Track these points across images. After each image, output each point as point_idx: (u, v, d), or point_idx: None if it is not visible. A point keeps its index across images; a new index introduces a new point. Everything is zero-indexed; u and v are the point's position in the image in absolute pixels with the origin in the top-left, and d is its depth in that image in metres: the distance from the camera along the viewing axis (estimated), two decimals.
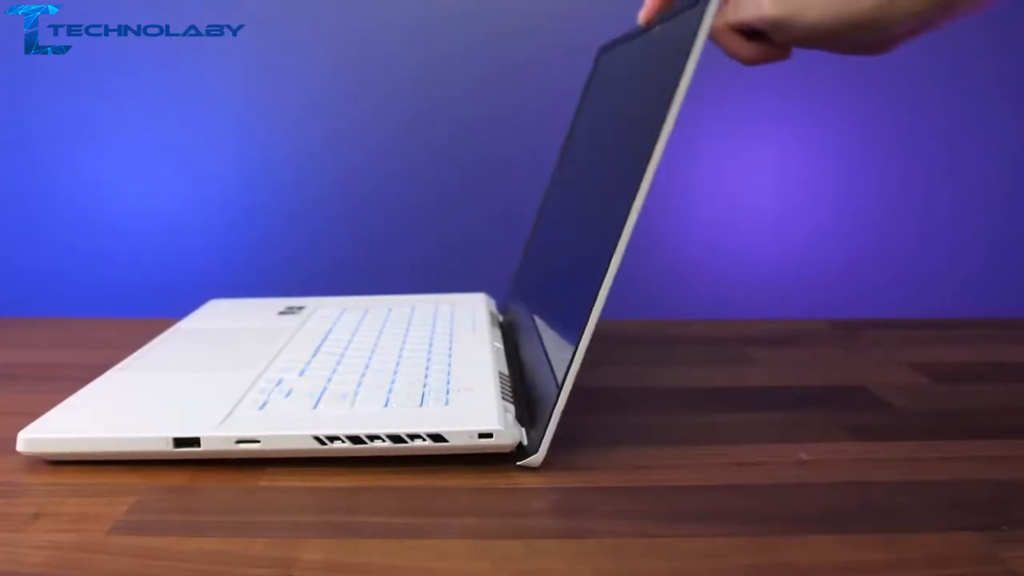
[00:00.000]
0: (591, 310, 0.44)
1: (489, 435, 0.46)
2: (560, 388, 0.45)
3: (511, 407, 0.50)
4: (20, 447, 0.47)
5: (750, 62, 0.52)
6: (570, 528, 0.40)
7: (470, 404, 0.49)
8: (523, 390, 0.54)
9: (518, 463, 0.46)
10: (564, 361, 0.46)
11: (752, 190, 0.91)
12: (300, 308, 0.73)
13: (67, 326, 0.79)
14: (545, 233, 0.66)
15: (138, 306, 0.90)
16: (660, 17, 0.53)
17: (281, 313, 0.72)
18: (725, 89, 0.89)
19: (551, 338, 0.51)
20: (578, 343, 0.45)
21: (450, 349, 0.60)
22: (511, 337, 0.66)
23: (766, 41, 0.52)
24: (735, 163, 0.90)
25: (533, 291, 0.63)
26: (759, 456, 0.48)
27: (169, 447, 0.46)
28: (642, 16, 0.56)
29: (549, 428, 0.45)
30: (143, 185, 0.91)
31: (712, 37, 0.50)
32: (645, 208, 0.86)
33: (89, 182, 0.90)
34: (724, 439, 0.51)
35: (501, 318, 0.72)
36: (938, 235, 0.92)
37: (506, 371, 0.56)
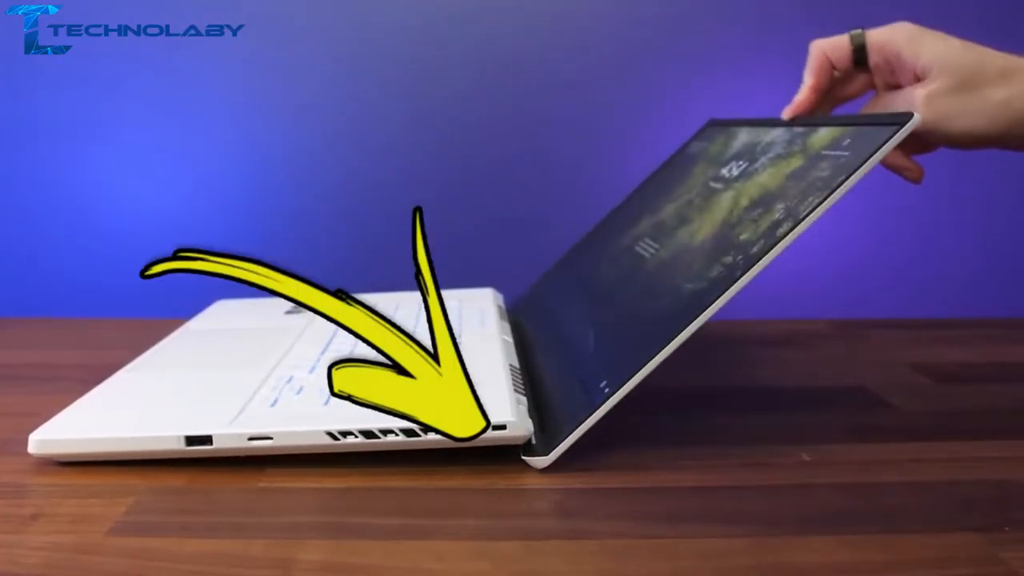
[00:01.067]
0: (654, 356, 0.46)
1: (503, 427, 0.45)
2: (593, 410, 0.45)
3: (523, 399, 0.49)
4: (31, 448, 0.46)
5: (893, 167, 0.54)
6: (571, 529, 0.40)
7: (482, 396, 0.49)
8: (532, 388, 0.54)
9: (523, 456, 0.46)
10: (613, 380, 0.46)
11: None
12: None
13: (66, 326, 0.79)
14: (607, 255, 0.65)
15: (137, 306, 0.90)
16: (806, 118, 0.54)
17: (288, 312, 0.72)
18: (725, 87, 0.89)
19: (590, 358, 0.51)
20: (636, 372, 0.46)
21: (460, 343, 0.59)
22: (520, 334, 0.66)
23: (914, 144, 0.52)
24: None
25: (572, 304, 0.63)
26: (760, 457, 0.48)
27: (181, 446, 0.46)
28: (788, 111, 0.57)
29: (571, 437, 0.45)
30: (143, 185, 0.90)
31: None
32: None
33: (89, 182, 0.90)
34: (725, 440, 0.50)
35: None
36: (940, 235, 0.92)
37: (517, 364, 0.56)
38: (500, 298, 0.75)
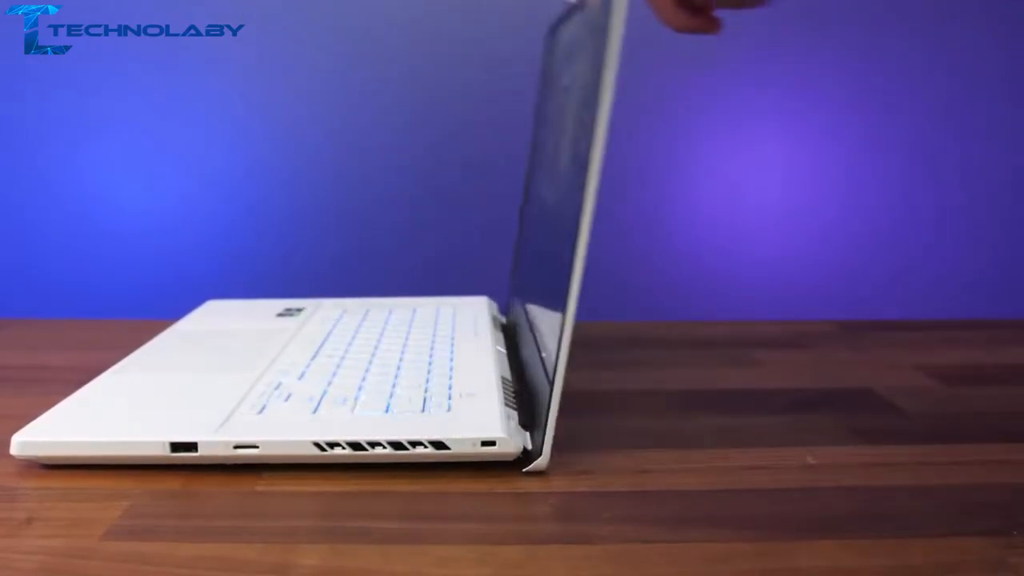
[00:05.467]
0: (567, 305, 0.42)
1: (492, 443, 0.45)
2: (551, 388, 0.44)
3: (514, 414, 0.49)
4: (14, 451, 0.46)
5: (681, 29, 0.51)
6: (572, 533, 0.39)
7: (472, 410, 0.48)
8: (526, 392, 0.54)
9: (524, 470, 0.46)
10: (551, 361, 0.45)
11: (757, 189, 0.91)
12: (299, 310, 0.73)
13: (58, 327, 0.78)
14: (528, 227, 0.64)
15: (132, 307, 0.90)
16: None
17: (280, 315, 0.71)
18: (729, 85, 0.88)
19: (542, 337, 0.51)
20: (560, 340, 0.43)
21: (452, 353, 0.59)
22: (513, 340, 0.65)
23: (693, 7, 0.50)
24: (740, 162, 0.90)
25: (524, 290, 0.62)
26: (765, 460, 0.47)
27: (166, 452, 0.45)
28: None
29: (547, 431, 0.45)
30: (142, 186, 0.90)
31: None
32: (647, 207, 0.86)
33: (88, 182, 0.90)
34: (729, 442, 0.50)
35: (503, 320, 0.71)
36: (948, 235, 0.91)
37: (509, 376, 0.56)
38: (494, 307, 0.75)
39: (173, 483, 0.45)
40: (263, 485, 0.44)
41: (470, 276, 0.82)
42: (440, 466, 0.46)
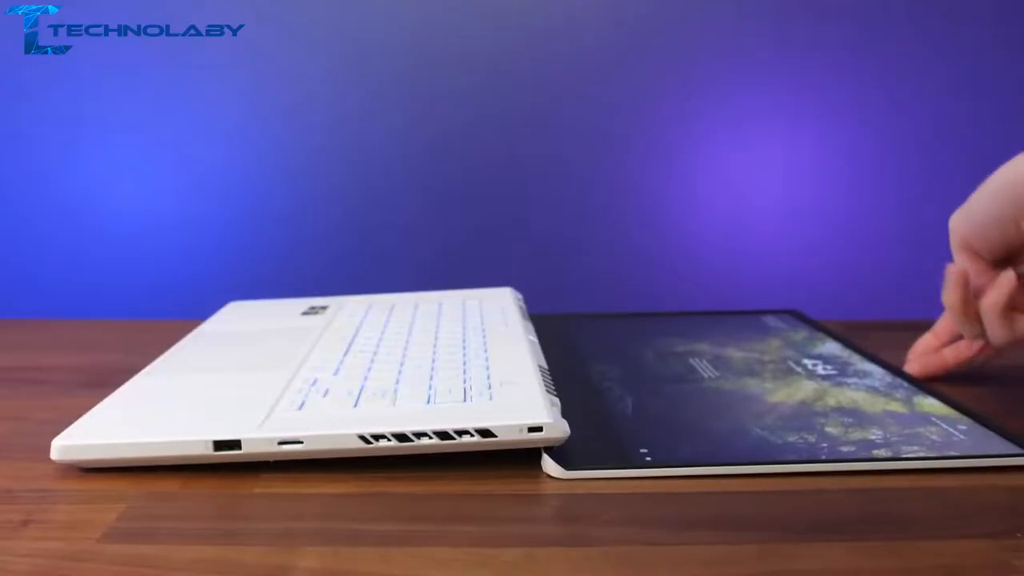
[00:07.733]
0: (706, 464, 0.46)
1: (539, 428, 0.45)
2: (635, 466, 0.46)
3: (557, 400, 0.49)
4: (54, 455, 0.45)
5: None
6: (573, 535, 0.39)
7: (516, 398, 0.48)
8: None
9: (546, 451, 0.46)
10: (657, 456, 0.47)
11: (760, 189, 0.90)
12: (324, 308, 0.72)
13: (57, 327, 0.78)
14: (653, 348, 0.68)
15: (131, 308, 0.89)
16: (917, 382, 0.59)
17: (304, 313, 0.71)
18: (732, 84, 0.88)
19: (627, 417, 0.53)
20: (685, 466, 0.46)
21: (485, 343, 0.59)
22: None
23: None
24: (741, 161, 0.90)
25: (605, 362, 0.64)
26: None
27: (209, 451, 0.45)
28: (918, 368, 0.61)
29: (595, 471, 0.45)
30: (141, 186, 0.90)
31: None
32: (648, 207, 0.86)
33: (88, 182, 0.90)
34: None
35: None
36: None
37: (545, 364, 0.55)
38: (520, 298, 0.74)
39: (171, 485, 0.44)
40: (261, 487, 0.44)
41: (470, 276, 0.82)
42: (439, 467, 0.46)
